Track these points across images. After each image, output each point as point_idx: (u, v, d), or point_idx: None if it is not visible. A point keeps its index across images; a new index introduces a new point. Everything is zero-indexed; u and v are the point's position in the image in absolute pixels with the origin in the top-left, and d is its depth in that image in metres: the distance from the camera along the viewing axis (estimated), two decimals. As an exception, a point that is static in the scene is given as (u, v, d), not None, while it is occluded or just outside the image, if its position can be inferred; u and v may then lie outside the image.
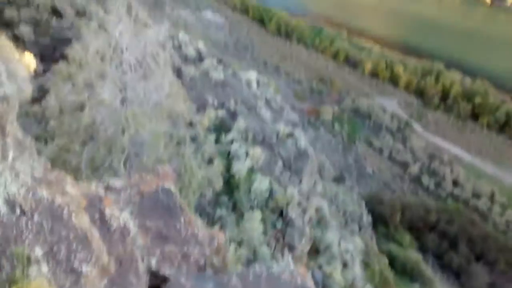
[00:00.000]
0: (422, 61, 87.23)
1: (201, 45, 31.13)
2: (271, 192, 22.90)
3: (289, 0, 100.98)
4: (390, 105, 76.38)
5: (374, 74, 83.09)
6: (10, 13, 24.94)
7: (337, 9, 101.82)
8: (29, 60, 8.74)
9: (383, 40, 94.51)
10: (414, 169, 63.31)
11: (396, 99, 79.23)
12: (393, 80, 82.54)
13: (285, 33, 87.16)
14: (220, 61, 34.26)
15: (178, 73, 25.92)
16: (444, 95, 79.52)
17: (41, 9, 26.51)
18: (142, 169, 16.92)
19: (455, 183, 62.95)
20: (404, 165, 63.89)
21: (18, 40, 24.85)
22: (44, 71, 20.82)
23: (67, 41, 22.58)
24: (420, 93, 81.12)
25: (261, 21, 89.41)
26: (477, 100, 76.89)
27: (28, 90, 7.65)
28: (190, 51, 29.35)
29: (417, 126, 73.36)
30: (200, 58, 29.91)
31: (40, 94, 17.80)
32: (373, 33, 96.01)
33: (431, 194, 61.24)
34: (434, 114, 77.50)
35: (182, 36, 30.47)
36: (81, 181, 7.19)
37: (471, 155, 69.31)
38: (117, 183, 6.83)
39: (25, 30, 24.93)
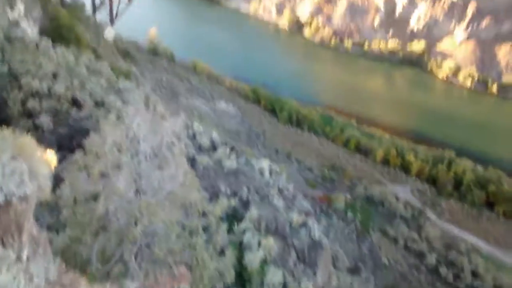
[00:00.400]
0: (432, 150, 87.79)
1: (214, 134, 31.75)
2: (284, 286, 22.09)
3: (300, 91, 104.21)
4: (403, 192, 75.71)
5: (386, 161, 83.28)
6: (32, 103, 25.85)
7: (346, 99, 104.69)
8: (50, 157, 8.87)
9: (393, 128, 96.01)
10: (431, 259, 61.23)
11: (409, 186, 78.69)
12: (405, 168, 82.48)
13: (296, 121, 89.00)
14: (233, 149, 34.71)
15: (192, 162, 26.18)
16: (457, 183, 78.88)
17: (61, 100, 27.44)
18: (153, 261, 16.57)
19: (475, 274, 60.46)
20: (420, 255, 61.90)
21: (37, 129, 25.56)
22: (61, 160, 21.17)
23: (85, 131, 23.13)
24: (432, 181, 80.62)
25: (273, 111, 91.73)
26: (491, 188, 76.12)
27: (48, 188, 7.69)
28: (204, 141, 29.86)
29: (431, 215, 72.02)
30: (213, 147, 30.36)
31: (55, 183, 17.95)
32: (382, 122, 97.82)
33: (449, 286, 58.72)
34: (448, 202, 76.40)
35: (197, 126, 31.20)
36: (94, 283, 6.97)
37: (489, 245, 67.28)
38: (131, 285, 6.60)
39: (45, 120, 25.65)
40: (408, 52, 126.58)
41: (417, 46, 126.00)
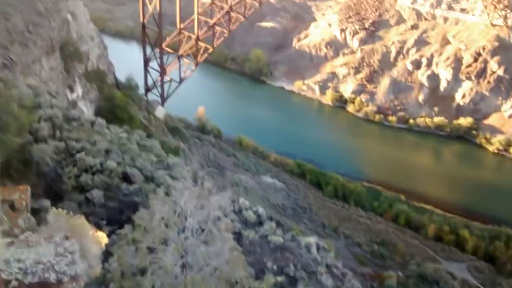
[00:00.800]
0: (488, 226, 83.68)
1: (260, 209, 31.58)
2: None
3: (345, 165, 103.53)
4: (459, 271, 71.53)
5: (438, 238, 79.77)
6: (85, 178, 26.80)
7: (393, 174, 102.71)
8: (101, 236, 9.11)
9: (444, 204, 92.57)
10: None
11: (465, 264, 74.43)
12: (459, 245, 78.54)
13: (342, 196, 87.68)
14: (278, 224, 34.28)
15: (238, 237, 25.96)
16: (518, 261, 74.14)
17: (113, 175, 28.34)
18: None
19: None
20: None
21: (89, 204, 26.33)
22: (110, 234, 21.54)
23: (134, 206, 23.66)
24: (490, 259, 76.11)
25: (318, 185, 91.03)
26: (556, 267, 71.08)
27: (98, 266, 7.79)
28: (250, 215, 29.72)
29: (491, 295, 67.34)
30: (259, 221, 30.09)
31: (103, 257, 18.17)
32: (432, 197, 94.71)
33: None
34: (508, 282, 71.41)
35: (243, 201, 31.26)
36: None
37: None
38: None
39: (96, 195, 26.42)
40: (455, 126, 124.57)
41: (464, 121, 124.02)
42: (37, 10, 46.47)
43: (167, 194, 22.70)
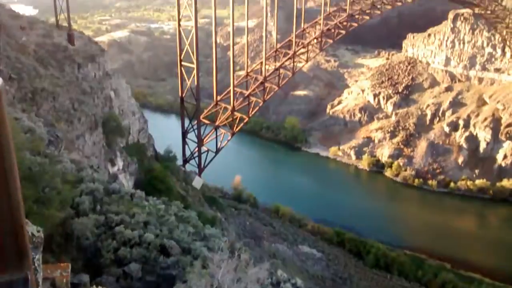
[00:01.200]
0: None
1: (299, 281, 30.76)
2: None
3: (385, 233, 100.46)
4: None
5: (489, 309, 75.10)
6: (123, 252, 26.97)
7: (437, 241, 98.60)
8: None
9: (493, 272, 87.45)
10: None
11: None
12: (514, 317, 73.52)
13: (385, 265, 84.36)
14: (318, 296, 33.19)
15: (276, 312, 25.25)
16: None
17: (151, 248, 28.47)
18: None
19: None
20: None
21: (127, 278, 26.34)
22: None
23: (171, 279, 23.57)
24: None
25: (359, 254, 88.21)
26: None
27: None
28: (288, 288, 28.95)
29: None
30: (298, 295, 29.21)
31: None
32: (480, 264, 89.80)
33: None
34: None
35: (280, 272, 30.60)
36: None
37: None
38: None
39: (134, 268, 26.45)
40: (498, 189, 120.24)
41: (508, 183, 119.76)
42: (83, 89, 49.32)
43: (204, 267, 22.57)
